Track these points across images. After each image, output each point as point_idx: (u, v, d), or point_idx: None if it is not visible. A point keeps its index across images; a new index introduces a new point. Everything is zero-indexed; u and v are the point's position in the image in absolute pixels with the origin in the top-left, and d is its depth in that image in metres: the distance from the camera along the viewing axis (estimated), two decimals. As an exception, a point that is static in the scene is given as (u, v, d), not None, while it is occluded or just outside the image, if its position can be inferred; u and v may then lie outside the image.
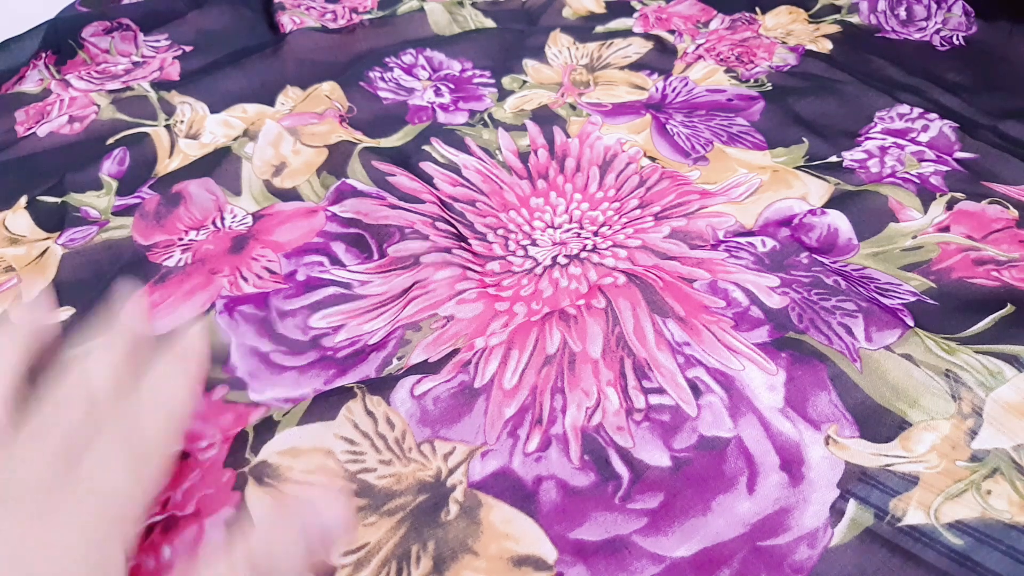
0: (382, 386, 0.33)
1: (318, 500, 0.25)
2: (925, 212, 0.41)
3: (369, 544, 0.28)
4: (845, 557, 0.27)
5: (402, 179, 0.44)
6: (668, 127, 0.48)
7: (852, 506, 0.28)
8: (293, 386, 0.34)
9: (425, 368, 0.34)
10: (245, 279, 0.38)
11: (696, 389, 0.32)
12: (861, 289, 0.36)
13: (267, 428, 0.31)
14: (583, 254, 0.39)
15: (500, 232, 0.41)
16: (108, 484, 0.24)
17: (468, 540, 0.28)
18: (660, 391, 0.32)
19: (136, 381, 0.29)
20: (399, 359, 0.34)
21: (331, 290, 0.37)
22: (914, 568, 0.27)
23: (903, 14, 0.60)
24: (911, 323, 0.34)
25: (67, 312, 0.37)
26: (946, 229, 0.40)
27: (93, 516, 0.23)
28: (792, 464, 0.30)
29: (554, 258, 0.40)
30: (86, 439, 0.25)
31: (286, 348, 0.35)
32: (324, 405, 0.32)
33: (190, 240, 0.41)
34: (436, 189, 0.44)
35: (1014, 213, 0.41)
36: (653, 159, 0.46)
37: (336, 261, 0.39)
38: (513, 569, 0.27)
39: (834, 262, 0.38)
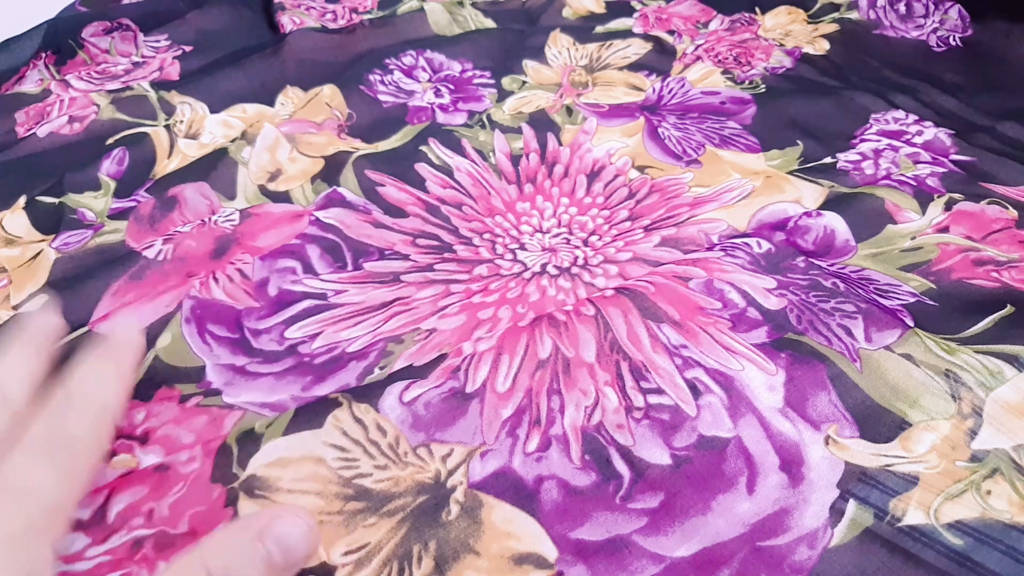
0: (368, 393, 0.32)
1: (281, 513, 0.25)
2: (923, 213, 0.41)
3: (370, 544, 0.28)
4: (845, 557, 0.27)
5: (390, 190, 0.44)
6: (660, 130, 0.48)
7: (852, 506, 0.28)
8: (269, 391, 0.33)
9: (412, 373, 0.33)
10: (216, 280, 0.38)
11: (695, 389, 0.32)
12: (860, 291, 0.36)
13: (251, 441, 0.31)
14: (574, 269, 0.39)
15: (486, 236, 0.41)
16: (33, 483, 0.24)
17: (470, 540, 0.28)
18: (659, 391, 0.32)
19: (59, 378, 0.28)
20: (381, 368, 0.34)
21: (305, 303, 0.37)
22: (914, 568, 0.27)
23: (902, 9, 0.60)
24: (911, 323, 0.34)
25: (41, 299, 0.37)
26: (945, 230, 0.40)
27: (18, 515, 0.23)
28: (792, 464, 0.30)
29: (543, 265, 0.40)
30: (8, 442, 0.25)
31: (261, 359, 0.35)
32: (309, 414, 0.32)
33: (175, 231, 0.41)
34: (427, 192, 0.44)
35: (1013, 213, 0.41)
36: (642, 169, 0.46)
37: (309, 268, 0.39)
38: (514, 567, 0.27)
39: (831, 264, 0.38)
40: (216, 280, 0.38)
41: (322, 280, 0.38)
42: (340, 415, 0.32)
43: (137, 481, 0.30)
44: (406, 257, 0.40)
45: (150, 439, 0.31)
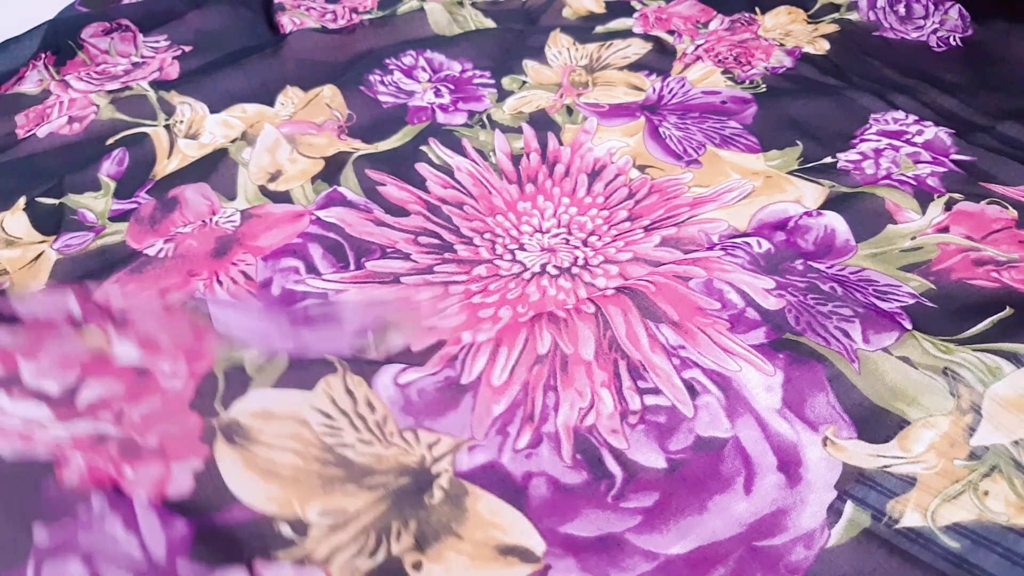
0: (364, 367, 0.33)
1: None
2: (923, 213, 0.41)
3: (348, 511, 0.28)
4: (842, 558, 0.27)
5: (391, 189, 0.44)
6: (661, 130, 0.48)
7: (849, 507, 0.28)
8: (258, 316, 0.34)
9: (409, 357, 0.33)
10: (220, 283, 0.38)
11: (692, 390, 0.32)
12: (858, 294, 0.36)
13: (240, 381, 0.31)
14: (574, 269, 0.39)
15: (487, 236, 0.41)
16: None
17: (452, 524, 0.28)
18: (656, 391, 0.32)
19: None
20: (376, 348, 0.34)
21: (306, 303, 0.37)
22: (911, 569, 0.27)
23: (902, 11, 0.60)
24: (909, 326, 0.34)
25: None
26: (945, 230, 0.40)
27: None
28: (790, 465, 0.30)
29: (543, 266, 0.39)
30: None
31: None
32: (302, 373, 0.32)
33: (176, 232, 0.41)
34: (427, 192, 0.44)
35: (1013, 213, 0.41)
36: (643, 168, 0.45)
37: (312, 268, 0.39)
38: (499, 557, 0.27)
39: (830, 266, 0.38)
40: (220, 283, 0.38)
41: (324, 280, 0.39)
42: (332, 382, 0.32)
43: (112, 375, 0.29)
44: (407, 256, 0.40)
45: (127, 326, 0.31)
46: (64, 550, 0.26)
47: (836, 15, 0.60)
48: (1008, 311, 0.35)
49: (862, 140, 0.47)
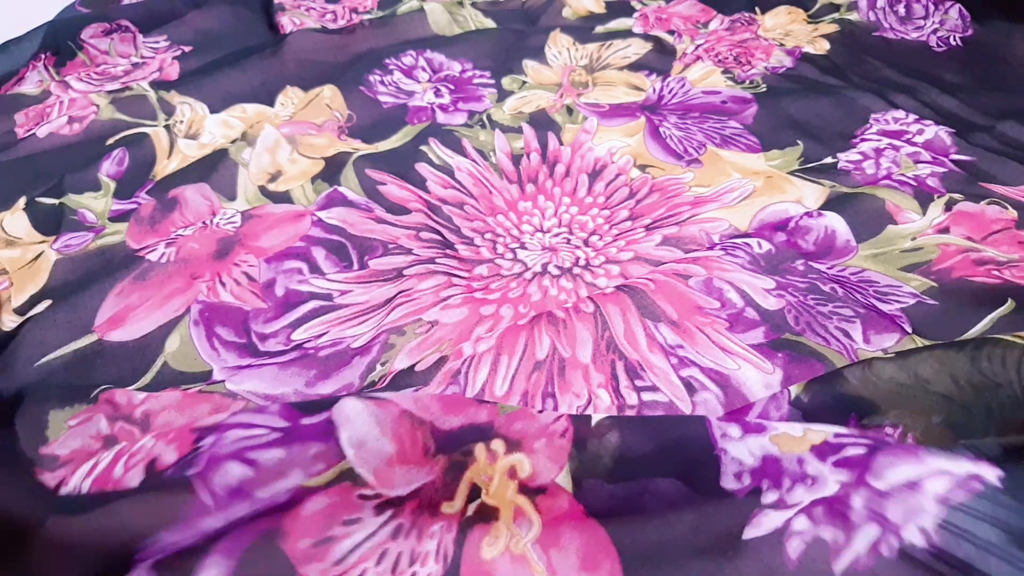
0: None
1: None
2: (924, 214, 0.41)
3: None
4: None
5: (392, 188, 0.44)
6: (661, 130, 0.48)
7: None
8: (272, 382, 0.33)
9: (415, 379, 0.33)
10: (223, 284, 0.38)
11: (690, 387, 0.32)
12: (858, 296, 0.36)
13: None
14: (575, 269, 0.39)
15: (488, 236, 0.41)
16: None
17: None
18: (653, 388, 0.32)
19: None
20: (382, 364, 0.34)
21: (311, 305, 0.37)
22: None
23: (902, 11, 0.60)
24: (909, 329, 0.34)
25: (45, 303, 0.37)
26: (945, 230, 0.40)
27: None
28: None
29: (544, 265, 0.40)
30: None
31: (267, 358, 0.35)
32: None
33: (177, 235, 0.41)
34: (428, 192, 0.44)
35: (1013, 214, 0.41)
36: (644, 168, 0.46)
37: (315, 268, 0.39)
38: None
39: (831, 267, 0.38)
40: (223, 284, 0.38)
41: (328, 280, 0.39)
42: None
43: None
44: (409, 251, 0.40)
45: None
46: (220, 458, 0.28)
47: (836, 15, 0.61)
48: (1010, 304, 0.35)
49: (862, 140, 0.47)
